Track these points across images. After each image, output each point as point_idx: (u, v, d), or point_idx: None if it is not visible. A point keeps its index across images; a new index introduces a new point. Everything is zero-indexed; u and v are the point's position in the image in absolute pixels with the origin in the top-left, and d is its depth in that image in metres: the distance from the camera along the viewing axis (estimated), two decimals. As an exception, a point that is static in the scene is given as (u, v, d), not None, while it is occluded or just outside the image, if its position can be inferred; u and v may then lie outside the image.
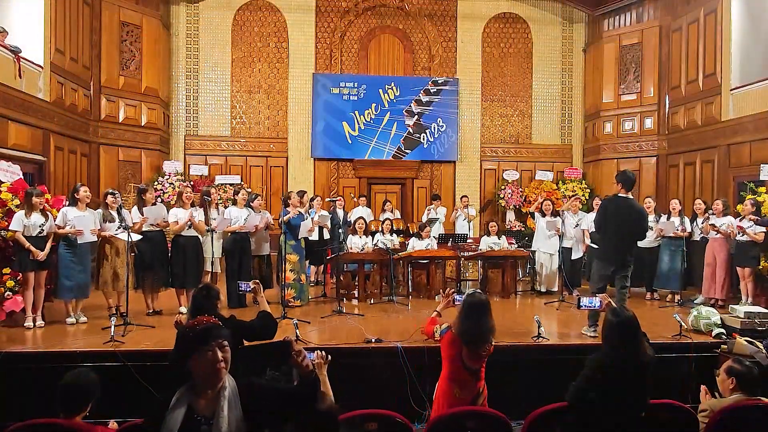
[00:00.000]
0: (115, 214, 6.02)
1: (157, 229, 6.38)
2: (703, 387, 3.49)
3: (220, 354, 1.98)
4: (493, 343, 3.39)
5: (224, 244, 6.91)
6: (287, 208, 6.86)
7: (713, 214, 7.15)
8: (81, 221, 5.70)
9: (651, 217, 7.69)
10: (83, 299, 5.97)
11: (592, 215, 7.93)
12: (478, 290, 3.62)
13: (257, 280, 3.85)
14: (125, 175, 10.18)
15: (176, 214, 6.46)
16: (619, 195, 5.47)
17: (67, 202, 5.97)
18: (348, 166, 11.72)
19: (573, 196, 8.05)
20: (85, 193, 5.88)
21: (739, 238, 6.73)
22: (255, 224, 6.76)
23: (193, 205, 6.66)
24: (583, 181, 11.42)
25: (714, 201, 7.32)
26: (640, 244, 7.71)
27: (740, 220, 6.78)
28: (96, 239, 5.95)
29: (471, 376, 3.35)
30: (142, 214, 6.21)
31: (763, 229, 6.54)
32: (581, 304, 4.02)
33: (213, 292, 3.37)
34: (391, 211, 10.05)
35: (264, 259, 7.21)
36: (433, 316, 3.84)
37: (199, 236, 6.59)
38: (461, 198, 10.65)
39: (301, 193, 7.69)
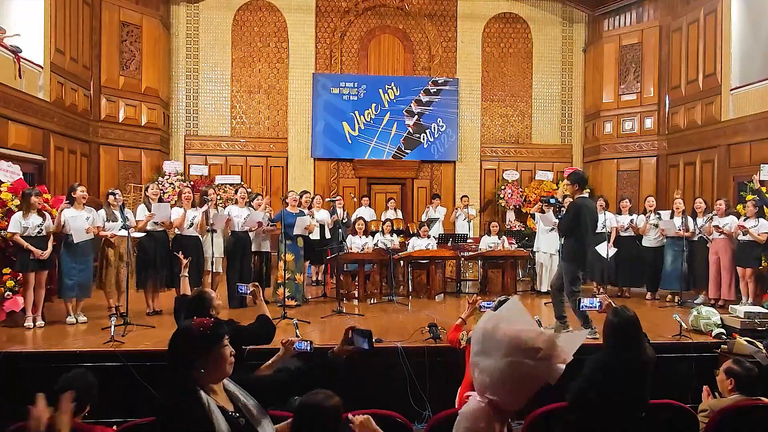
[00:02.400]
0: (117, 213, 6.04)
1: (161, 228, 6.41)
2: (705, 387, 3.49)
3: (231, 349, 2.08)
4: None
5: (226, 244, 6.92)
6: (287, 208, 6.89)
7: (715, 214, 7.14)
8: (75, 221, 5.71)
9: (652, 216, 7.72)
10: (84, 299, 5.97)
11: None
12: (510, 297, 3.56)
13: (257, 283, 3.83)
14: (125, 175, 10.18)
15: (177, 213, 6.54)
16: (584, 196, 5.50)
17: (67, 202, 5.99)
18: (348, 166, 11.72)
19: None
20: (81, 192, 5.90)
21: (741, 237, 6.71)
22: (258, 220, 6.79)
23: (193, 205, 6.70)
24: (583, 181, 11.41)
25: (716, 201, 7.30)
26: (644, 243, 7.78)
27: (744, 221, 6.75)
28: (92, 237, 5.93)
29: None
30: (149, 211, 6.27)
31: (766, 230, 6.52)
32: (582, 305, 4.01)
33: (206, 302, 3.27)
34: (394, 210, 10.05)
35: (263, 257, 7.21)
36: (457, 323, 3.78)
37: (200, 236, 6.61)
38: (461, 198, 10.65)
39: (302, 193, 7.71)
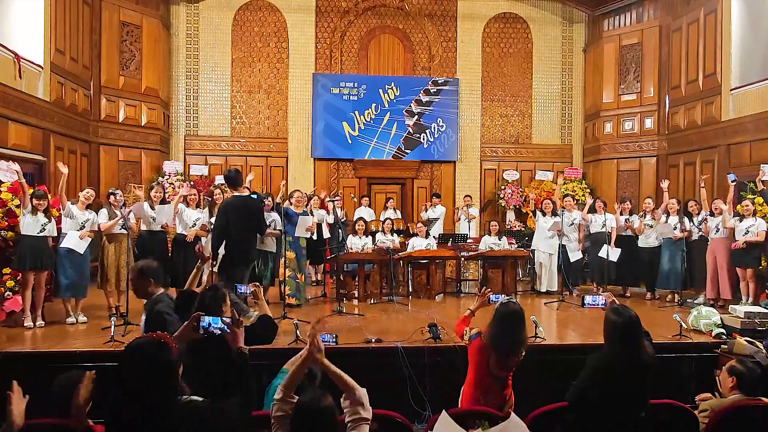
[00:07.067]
0: (118, 213, 6.06)
1: (159, 228, 6.42)
2: (699, 397, 3.50)
3: None
4: (523, 353, 3.27)
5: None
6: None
7: (711, 215, 7.15)
8: (69, 238, 5.77)
9: (647, 217, 7.71)
10: (82, 299, 5.97)
11: (590, 215, 7.94)
12: (513, 299, 3.52)
13: (257, 284, 3.82)
14: (125, 175, 10.17)
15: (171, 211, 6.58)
16: (237, 195, 5.49)
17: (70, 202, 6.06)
18: (348, 166, 11.71)
19: (567, 195, 8.04)
20: (83, 198, 6.03)
21: (744, 238, 6.66)
22: None
23: (198, 205, 6.73)
24: (583, 181, 11.42)
25: (713, 201, 7.30)
26: (640, 243, 7.78)
27: (741, 221, 6.73)
28: (89, 241, 5.94)
29: (497, 384, 3.28)
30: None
31: (764, 228, 6.51)
32: (585, 302, 3.99)
33: (219, 293, 3.33)
34: (393, 210, 10.04)
35: (266, 256, 7.20)
36: (465, 315, 3.70)
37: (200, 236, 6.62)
38: (464, 197, 10.62)
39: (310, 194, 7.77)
